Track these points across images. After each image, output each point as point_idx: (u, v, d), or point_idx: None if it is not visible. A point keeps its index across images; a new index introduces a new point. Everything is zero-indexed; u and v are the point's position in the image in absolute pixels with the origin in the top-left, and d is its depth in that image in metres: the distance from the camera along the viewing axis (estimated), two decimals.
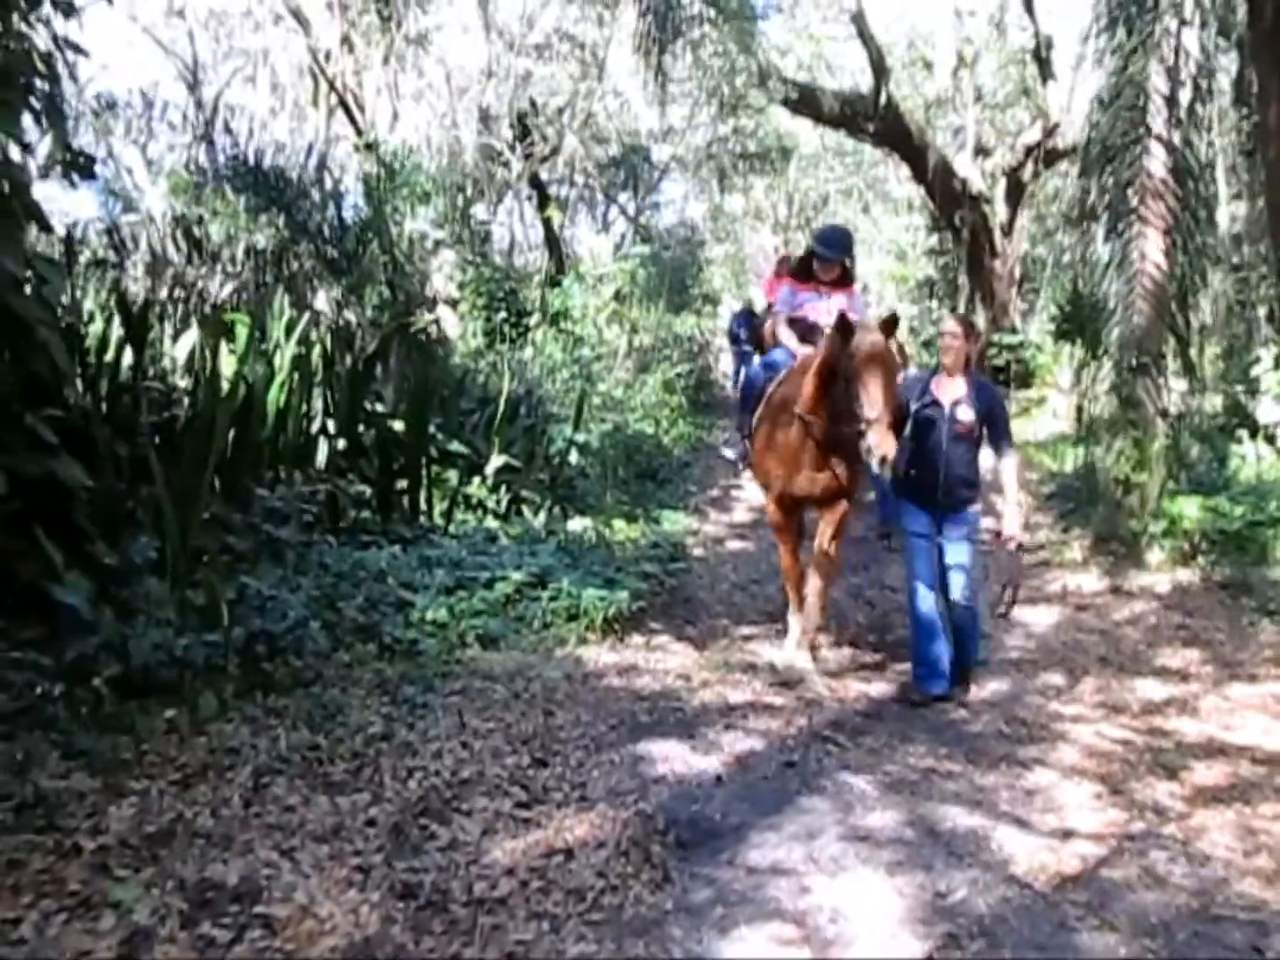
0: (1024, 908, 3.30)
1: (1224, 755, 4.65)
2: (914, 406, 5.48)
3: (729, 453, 7.39)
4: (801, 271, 6.67)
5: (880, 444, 4.97)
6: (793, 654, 5.67)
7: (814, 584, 5.68)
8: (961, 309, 15.73)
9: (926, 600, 5.45)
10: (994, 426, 5.50)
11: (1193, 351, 8.80)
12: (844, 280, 6.57)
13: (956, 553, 5.43)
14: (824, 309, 6.35)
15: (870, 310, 6.04)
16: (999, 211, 15.83)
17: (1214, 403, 10.10)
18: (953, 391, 5.46)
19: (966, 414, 5.38)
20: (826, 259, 6.48)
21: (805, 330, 6.37)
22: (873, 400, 5.02)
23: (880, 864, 3.53)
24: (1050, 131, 14.55)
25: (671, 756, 4.32)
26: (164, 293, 9.72)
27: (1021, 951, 3.05)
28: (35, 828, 3.25)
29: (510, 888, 3.24)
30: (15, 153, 4.76)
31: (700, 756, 4.35)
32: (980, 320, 15.34)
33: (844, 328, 5.21)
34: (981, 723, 5.08)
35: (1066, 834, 3.83)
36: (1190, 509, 7.74)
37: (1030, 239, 17.56)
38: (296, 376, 6.76)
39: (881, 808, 3.97)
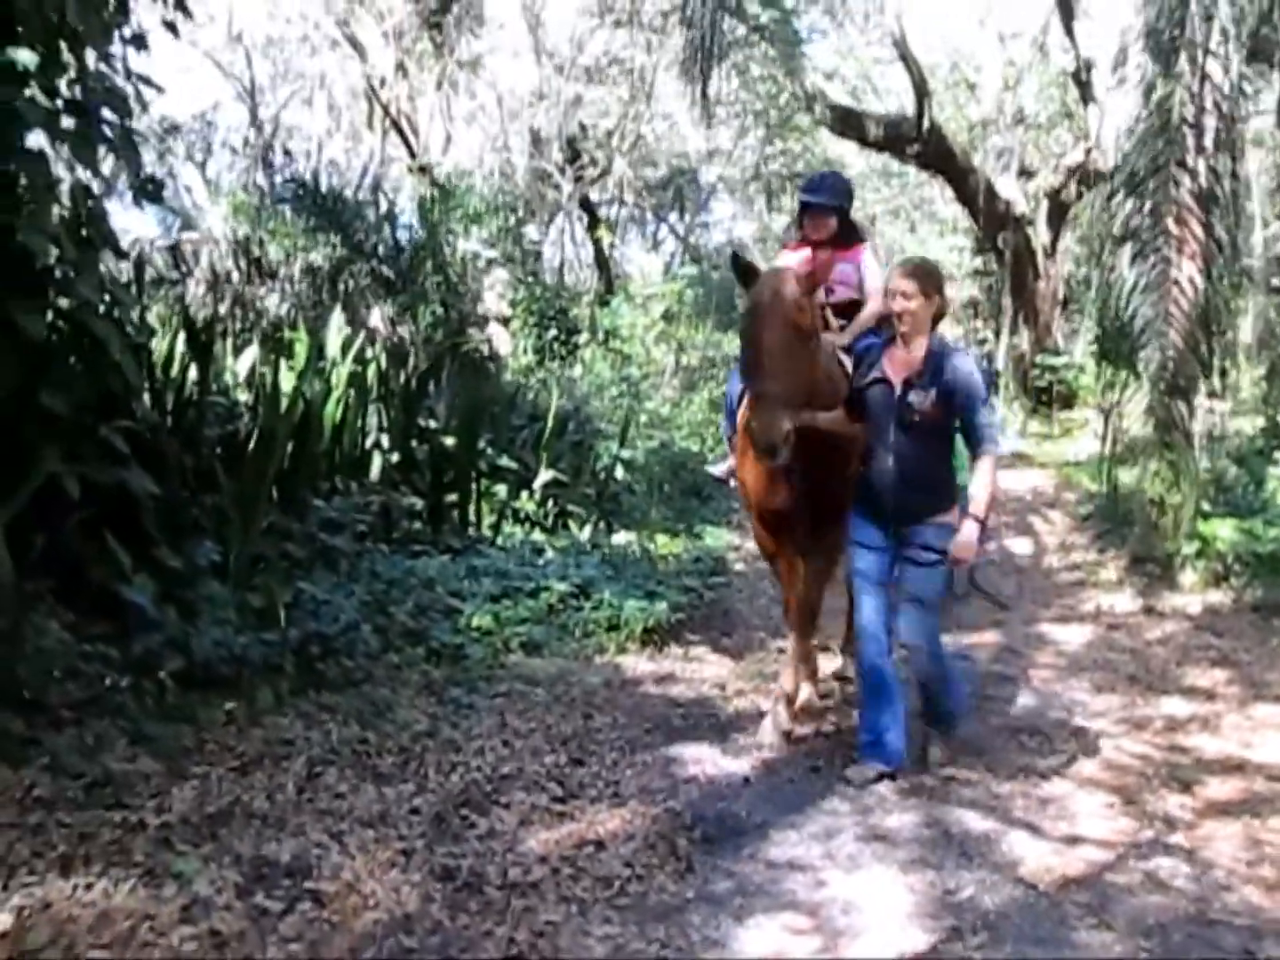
0: (1027, 906, 3.45)
1: (1240, 771, 4.73)
2: (859, 383, 4.38)
3: (716, 469, 5.74)
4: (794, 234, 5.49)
5: (758, 428, 4.11)
6: (769, 725, 4.78)
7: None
8: (1005, 330, 15.78)
9: (873, 643, 4.40)
10: (964, 413, 4.23)
11: (1232, 373, 8.89)
12: (844, 239, 5.22)
13: (907, 581, 4.36)
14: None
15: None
16: (1042, 233, 15.84)
17: (1255, 424, 10.13)
18: (907, 366, 4.24)
19: (920, 397, 4.17)
20: (815, 210, 5.22)
21: None
22: (748, 367, 4.22)
23: (894, 862, 3.71)
24: (1090, 153, 14.60)
25: (702, 759, 4.52)
26: (223, 310, 10.08)
27: (1020, 946, 3.20)
28: (104, 805, 3.50)
29: (542, 874, 3.44)
30: (93, 184, 5.09)
31: (730, 759, 4.55)
32: (1024, 341, 15.43)
33: (740, 270, 4.41)
34: (1003, 735, 5.21)
35: (1075, 840, 3.96)
36: (1224, 531, 7.79)
37: (1075, 260, 17.58)
38: (352, 393, 7.07)
39: (899, 811, 4.14)
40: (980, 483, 4.23)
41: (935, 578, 4.37)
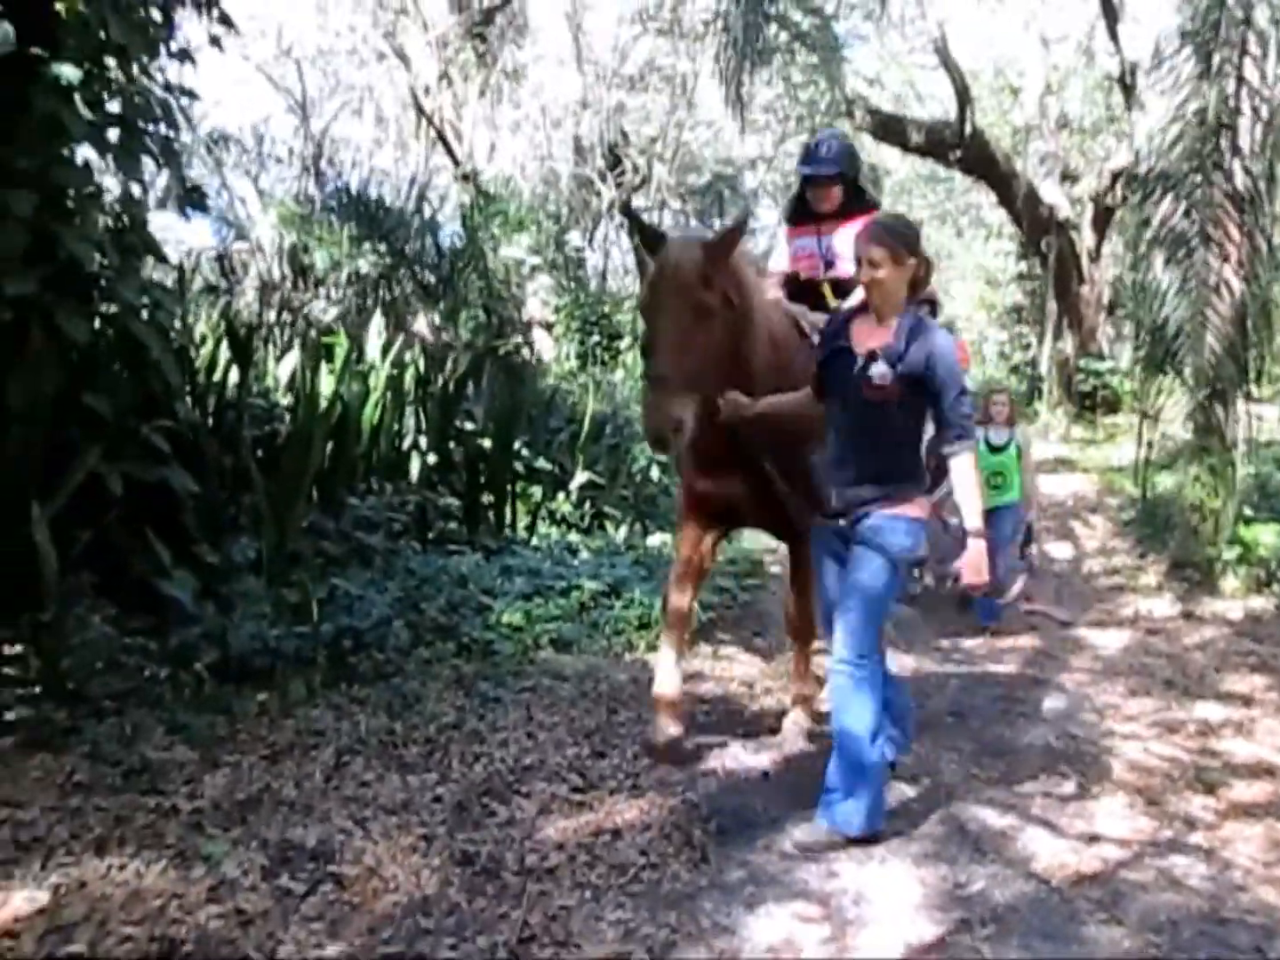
0: (1038, 901, 3.46)
1: (1269, 775, 4.68)
2: (820, 356, 3.86)
3: None
4: (796, 211, 5.01)
5: (644, 416, 3.78)
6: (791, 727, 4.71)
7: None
8: (1049, 334, 15.66)
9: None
10: (934, 398, 3.64)
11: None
12: (851, 209, 4.73)
13: (846, 579, 3.75)
14: (821, 254, 4.84)
15: None
16: (1086, 237, 15.71)
17: None
18: (874, 338, 3.70)
19: (883, 370, 3.59)
20: (817, 179, 4.77)
21: (798, 290, 4.88)
22: (645, 348, 3.89)
23: (907, 855, 3.73)
24: (1137, 157, 14.46)
25: (723, 753, 4.57)
26: (271, 316, 10.32)
27: (1028, 939, 3.22)
28: (140, 790, 3.64)
29: (559, 860, 3.51)
30: (135, 191, 5.28)
31: (751, 755, 4.58)
32: (1068, 346, 15.29)
33: (641, 234, 4.02)
34: (1031, 736, 5.18)
35: (1093, 838, 3.95)
36: (1266, 536, 7.71)
37: (1121, 264, 17.40)
38: (390, 395, 7.21)
39: (917, 806, 4.17)
40: (964, 488, 3.67)
41: (877, 577, 3.67)
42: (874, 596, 3.70)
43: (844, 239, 4.49)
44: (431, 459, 7.30)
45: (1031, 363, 17.78)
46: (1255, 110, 7.57)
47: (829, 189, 4.75)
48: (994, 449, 7.64)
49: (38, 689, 4.13)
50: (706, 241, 3.84)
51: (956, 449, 3.63)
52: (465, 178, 13.43)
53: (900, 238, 3.70)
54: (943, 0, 14.95)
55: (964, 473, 3.65)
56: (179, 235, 13.80)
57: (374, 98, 18.13)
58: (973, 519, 3.62)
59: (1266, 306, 7.94)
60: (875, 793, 3.76)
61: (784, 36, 12.58)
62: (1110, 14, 14.42)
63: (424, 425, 7.43)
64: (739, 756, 4.56)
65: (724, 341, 3.83)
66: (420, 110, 15.86)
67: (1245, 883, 3.66)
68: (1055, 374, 15.61)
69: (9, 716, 3.95)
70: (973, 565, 3.62)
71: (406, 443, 7.32)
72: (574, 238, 15.21)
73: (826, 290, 4.52)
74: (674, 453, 4.05)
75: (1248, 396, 7.93)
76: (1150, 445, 9.68)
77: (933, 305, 4.66)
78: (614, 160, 15.09)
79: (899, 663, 6.41)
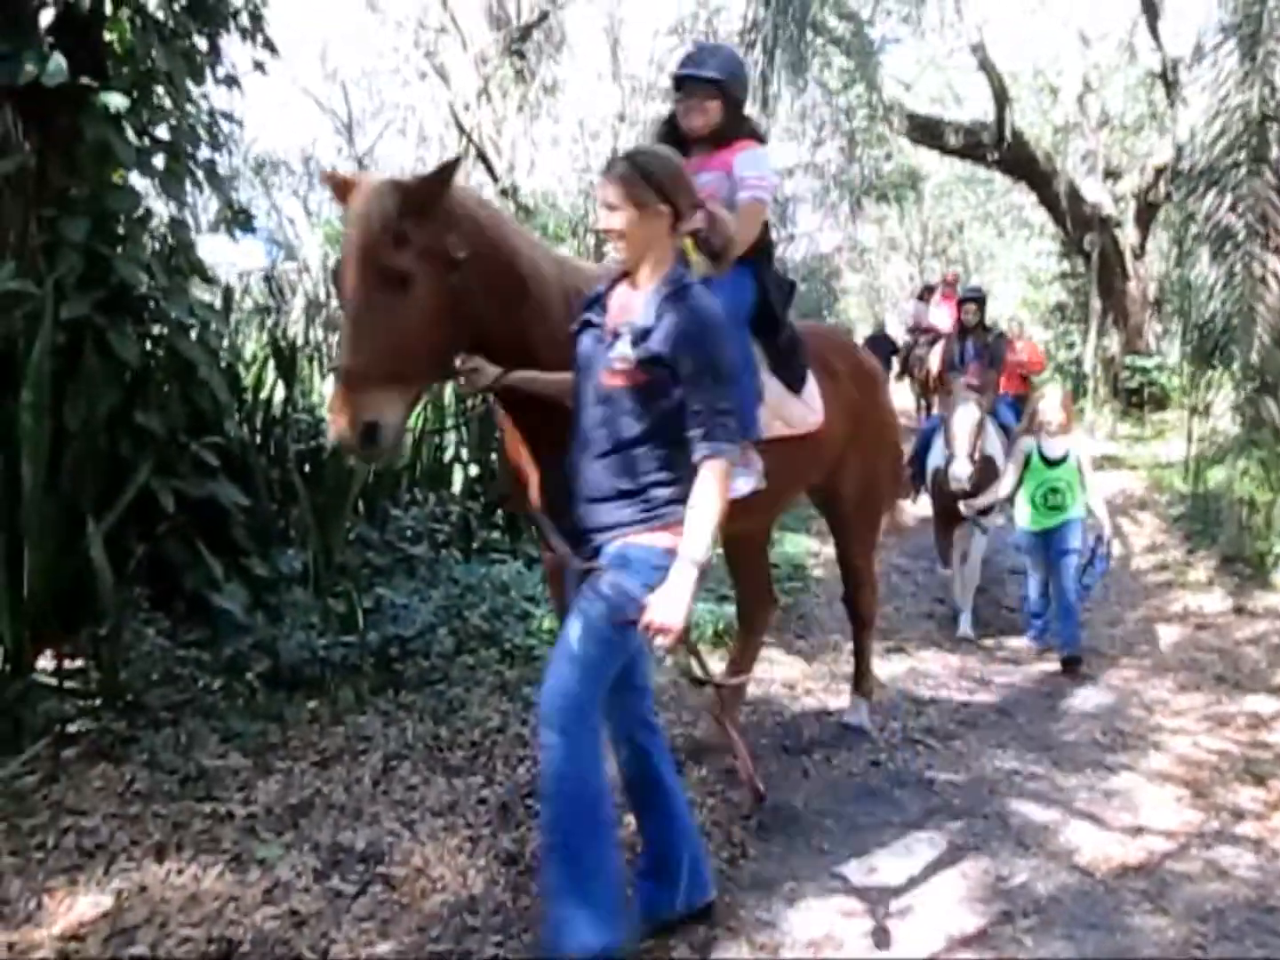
0: (1082, 893, 3.47)
1: None
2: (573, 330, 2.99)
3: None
4: (663, 139, 3.85)
5: (328, 419, 2.98)
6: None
7: None
8: (1094, 332, 15.51)
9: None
10: (685, 386, 2.73)
11: None
12: (729, 135, 3.81)
13: (564, 633, 2.88)
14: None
15: (768, 185, 3.84)
16: (1130, 234, 15.57)
17: None
18: (626, 309, 2.87)
19: (623, 351, 2.76)
20: (691, 86, 3.81)
21: None
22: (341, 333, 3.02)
23: (949, 850, 3.75)
24: (1179, 153, 14.35)
25: (763, 753, 4.61)
26: (318, 334, 10.48)
27: (1071, 929, 3.23)
28: (196, 797, 3.75)
29: None
30: (182, 214, 5.44)
31: (791, 754, 4.63)
32: (1114, 343, 15.13)
33: (333, 187, 3.04)
34: (1078, 732, 5.18)
35: (1138, 830, 3.96)
36: None
37: (1167, 260, 17.22)
38: (431, 408, 7.32)
39: (959, 802, 4.18)
40: (700, 507, 2.70)
41: (595, 625, 2.77)
42: (589, 652, 2.79)
43: (716, 175, 3.74)
44: (473, 470, 7.40)
45: (1076, 361, 17.61)
46: None
47: (704, 101, 3.78)
48: (1049, 462, 6.69)
49: (97, 701, 4.25)
50: (402, 182, 2.90)
51: (704, 454, 2.70)
52: (504, 192, 13.58)
53: (645, 180, 2.80)
54: (980, 1, 14.90)
55: (706, 487, 2.69)
56: (230, 257, 14.08)
57: (416, 116, 18.42)
58: (694, 547, 2.67)
59: None
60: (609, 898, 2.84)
61: (819, 42, 12.60)
62: (1151, 10, 14.32)
63: (465, 437, 7.53)
64: (779, 756, 4.59)
65: (441, 315, 2.89)
66: (460, 127, 16.08)
67: None
68: (1101, 371, 15.45)
69: (71, 728, 4.06)
70: (663, 603, 2.63)
71: (448, 454, 7.41)
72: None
73: (688, 246, 3.12)
74: (378, 461, 3.46)
75: None
76: (1199, 440, 9.56)
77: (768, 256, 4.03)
78: None
79: (944, 661, 6.41)
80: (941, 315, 12.69)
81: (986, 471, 7.01)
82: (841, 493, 4.66)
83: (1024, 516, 6.84)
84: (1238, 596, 7.68)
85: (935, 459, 7.44)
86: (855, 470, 4.58)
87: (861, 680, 5.03)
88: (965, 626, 7.23)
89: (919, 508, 7.77)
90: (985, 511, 7.12)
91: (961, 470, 6.80)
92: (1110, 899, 3.44)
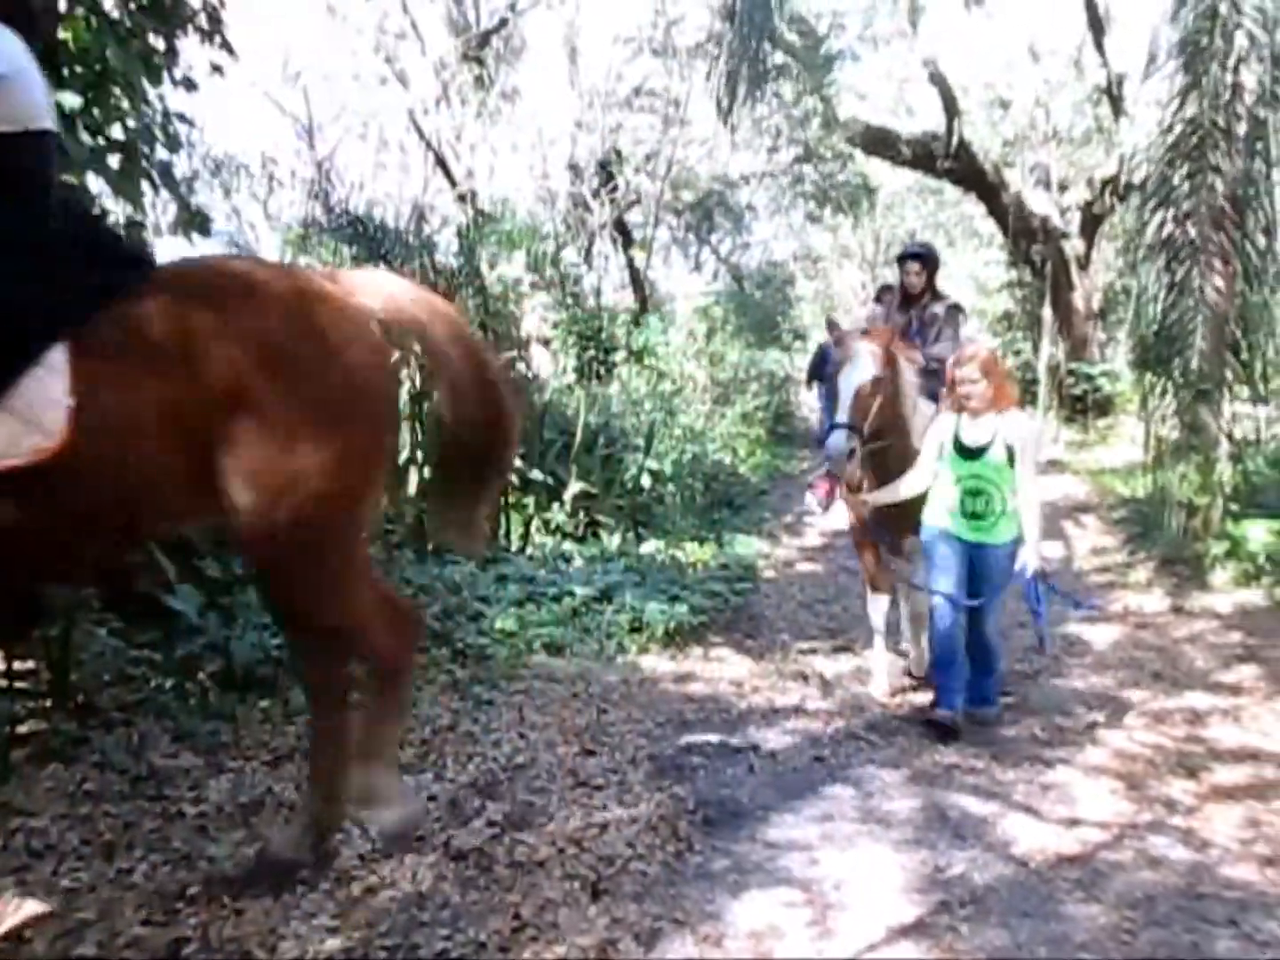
0: (1017, 883, 3.56)
1: (1252, 760, 4.78)
2: None
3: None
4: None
5: None
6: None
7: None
8: (1045, 340, 15.87)
9: None
10: None
11: (1271, 377, 8.88)
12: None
13: None
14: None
15: None
16: (1076, 245, 15.97)
17: None
18: None
19: None
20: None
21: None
22: None
23: (889, 842, 3.83)
24: (1123, 166, 14.73)
25: (710, 749, 4.69)
26: None
27: (1006, 918, 3.31)
28: (147, 796, 3.77)
29: (549, 854, 3.61)
30: (138, 216, 5.43)
31: (737, 750, 4.71)
32: (1059, 351, 15.51)
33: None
34: (1017, 727, 5.28)
35: (1073, 822, 4.06)
36: (1255, 532, 7.81)
37: (1113, 271, 17.65)
38: None
39: (899, 796, 4.27)
40: None
41: None
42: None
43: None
44: (428, 471, 7.43)
45: (1024, 367, 18.03)
46: (1252, 114, 7.68)
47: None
48: (967, 452, 5.06)
49: (48, 702, 4.25)
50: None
51: None
52: (463, 198, 13.63)
53: None
54: (933, 16, 15.26)
55: None
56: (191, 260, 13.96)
57: (376, 121, 18.41)
58: None
59: (1252, 310, 8.04)
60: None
61: (779, 57, 12.78)
62: (1097, 27, 14.68)
63: (420, 439, 7.56)
64: (726, 752, 4.67)
65: None
66: (420, 132, 16.13)
67: (1222, 860, 3.76)
68: (1047, 378, 15.82)
69: (21, 729, 4.07)
70: None
71: (403, 456, 7.44)
72: (570, 255, 15.43)
73: None
74: None
75: (1235, 396, 8.04)
76: (1141, 445, 9.79)
77: None
78: (608, 178, 15.33)
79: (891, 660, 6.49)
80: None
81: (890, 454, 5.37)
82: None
83: (935, 514, 5.16)
84: (1176, 597, 7.87)
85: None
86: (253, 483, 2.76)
87: None
88: (882, 678, 5.74)
89: None
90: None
91: (838, 443, 5.00)
92: (1045, 888, 3.53)
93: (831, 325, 5.58)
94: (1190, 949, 3.17)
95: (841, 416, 5.07)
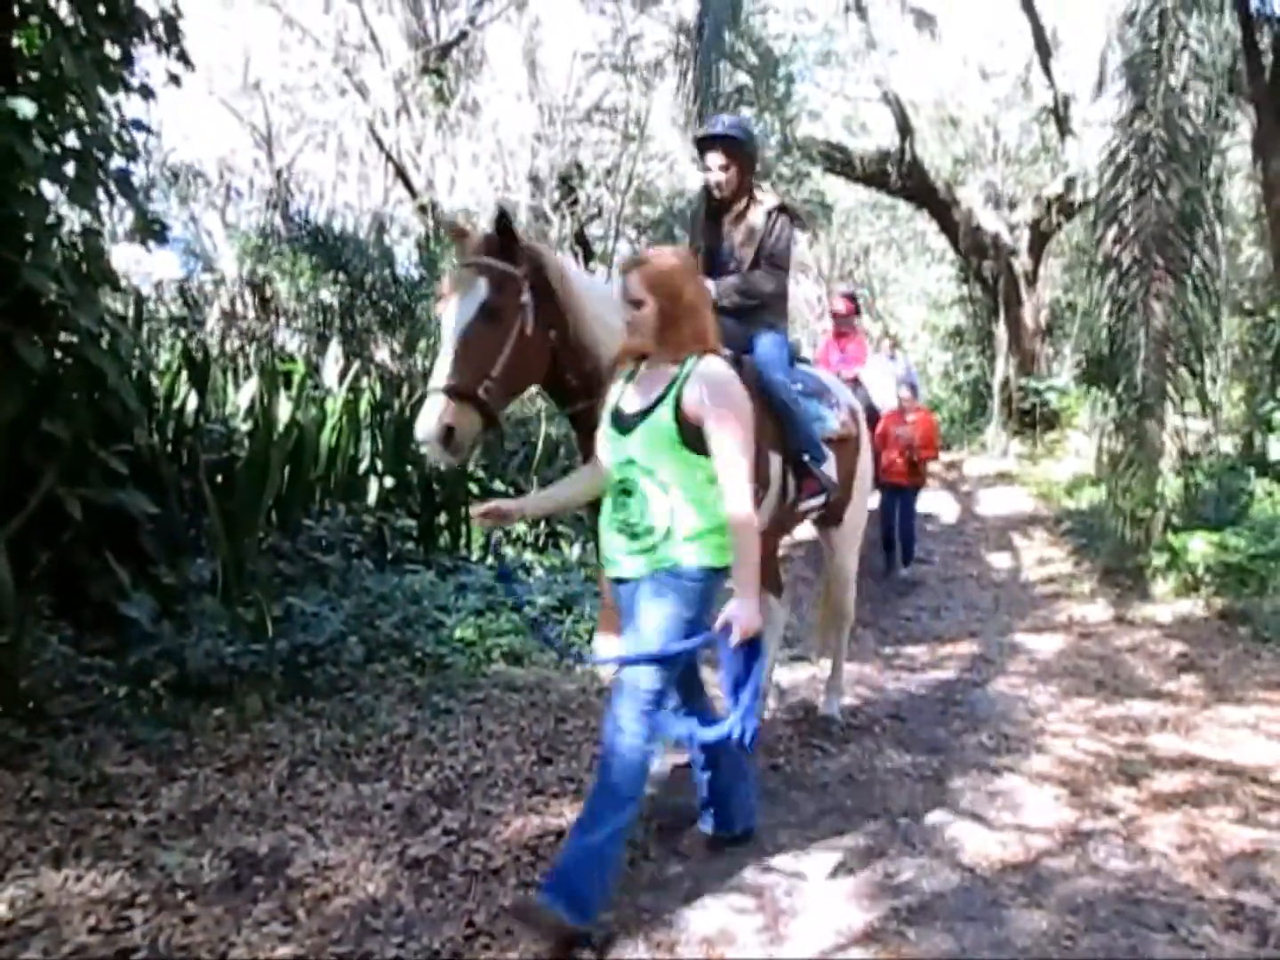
0: (963, 888, 3.63)
1: (1191, 767, 4.88)
2: None
3: None
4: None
5: None
6: None
7: None
8: (1001, 356, 16.17)
9: None
10: None
11: (1215, 392, 9.12)
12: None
13: None
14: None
15: None
16: (1024, 261, 16.34)
17: (1235, 442, 10.35)
18: None
19: None
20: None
21: None
22: None
23: (840, 848, 3.90)
24: (1070, 185, 15.08)
25: (665, 756, 4.73)
26: (235, 345, 10.44)
27: (952, 923, 3.38)
28: (97, 804, 3.78)
29: (504, 861, 3.66)
30: (93, 223, 5.42)
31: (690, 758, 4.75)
32: (1009, 365, 15.84)
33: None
34: (965, 736, 5.37)
35: (1018, 828, 4.15)
36: (1195, 543, 8.00)
37: (1062, 287, 18.04)
38: (346, 420, 7.36)
39: (851, 802, 4.35)
40: None
41: None
42: None
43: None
44: (388, 481, 7.44)
45: (974, 382, 18.37)
46: (1197, 134, 7.88)
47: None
48: (620, 423, 3.30)
49: None
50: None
51: None
52: (423, 209, 13.66)
53: None
54: (886, 38, 15.57)
55: None
56: (148, 267, 13.93)
57: (336, 131, 18.35)
58: None
59: (1207, 326, 8.23)
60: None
61: (740, 77, 12.94)
62: (1044, 50, 15.04)
63: (381, 449, 7.58)
64: (680, 760, 4.71)
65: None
66: (380, 143, 16.13)
67: (1161, 866, 3.84)
68: (1000, 393, 16.13)
69: None
70: None
71: (364, 466, 7.45)
72: None
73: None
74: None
75: (1179, 410, 8.23)
76: (1085, 458, 10.00)
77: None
78: (568, 191, 15.42)
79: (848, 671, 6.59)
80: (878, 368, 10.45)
81: None
82: None
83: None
84: (1119, 607, 8.06)
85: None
86: None
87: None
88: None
89: None
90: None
91: (426, 424, 3.33)
92: (989, 893, 3.60)
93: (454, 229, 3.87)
94: (1129, 952, 3.24)
95: (436, 378, 3.41)
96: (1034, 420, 15.35)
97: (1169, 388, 8.01)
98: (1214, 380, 8.63)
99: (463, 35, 16.35)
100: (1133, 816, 4.30)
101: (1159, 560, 8.09)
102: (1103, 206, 8.53)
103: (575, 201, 15.47)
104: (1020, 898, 3.58)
